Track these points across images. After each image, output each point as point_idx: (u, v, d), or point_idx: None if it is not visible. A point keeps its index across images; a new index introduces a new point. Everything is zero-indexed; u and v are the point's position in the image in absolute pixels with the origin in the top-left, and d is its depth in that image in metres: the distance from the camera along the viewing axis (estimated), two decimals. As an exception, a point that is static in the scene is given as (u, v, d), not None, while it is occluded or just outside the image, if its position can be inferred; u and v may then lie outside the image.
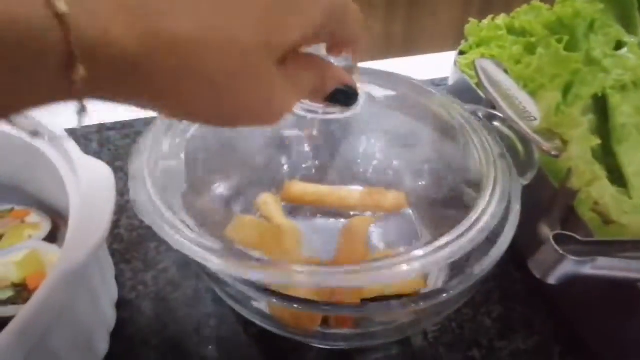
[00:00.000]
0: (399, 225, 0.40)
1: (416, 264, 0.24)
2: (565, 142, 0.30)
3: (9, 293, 0.28)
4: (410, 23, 0.81)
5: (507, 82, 0.36)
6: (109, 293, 0.32)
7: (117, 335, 0.32)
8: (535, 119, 0.32)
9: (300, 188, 0.40)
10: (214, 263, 0.23)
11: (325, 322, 0.28)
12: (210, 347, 0.33)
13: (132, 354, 0.32)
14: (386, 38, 0.82)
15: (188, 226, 0.26)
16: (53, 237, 0.35)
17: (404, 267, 0.24)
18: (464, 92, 0.44)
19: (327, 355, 0.33)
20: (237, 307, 0.28)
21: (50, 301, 0.23)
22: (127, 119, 0.51)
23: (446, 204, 0.40)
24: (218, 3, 0.16)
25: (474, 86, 0.43)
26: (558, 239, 0.26)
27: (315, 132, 0.47)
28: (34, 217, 0.35)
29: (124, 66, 0.14)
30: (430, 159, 0.43)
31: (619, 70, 0.37)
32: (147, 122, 0.37)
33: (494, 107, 0.36)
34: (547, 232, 0.32)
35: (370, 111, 0.45)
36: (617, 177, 0.34)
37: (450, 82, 0.49)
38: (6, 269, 0.29)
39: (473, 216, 0.28)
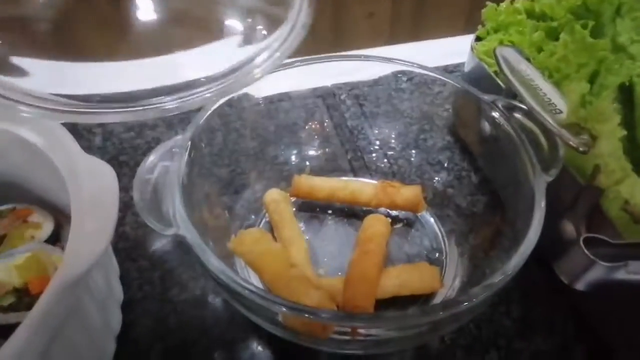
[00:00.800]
0: (417, 227, 0.38)
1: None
2: (593, 137, 0.29)
3: (11, 299, 0.27)
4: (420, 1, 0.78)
5: (530, 72, 0.34)
6: (114, 295, 0.31)
7: (123, 337, 0.31)
8: (561, 112, 0.30)
9: (309, 183, 0.39)
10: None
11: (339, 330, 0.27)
12: (218, 350, 0.32)
13: (139, 357, 0.31)
14: (394, 20, 0.79)
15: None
16: (56, 235, 0.34)
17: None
18: (482, 81, 0.42)
19: (340, 358, 0.32)
20: (248, 314, 0.27)
21: (53, 312, 0.22)
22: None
23: (467, 202, 0.38)
24: None
25: (492, 74, 0.41)
26: (588, 242, 0.24)
27: (325, 122, 0.45)
28: (36, 216, 0.34)
29: None
30: (448, 149, 0.41)
31: (647, 57, 0.35)
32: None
33: (514, 97, 0.34)
34: (571, 231, 0.30)
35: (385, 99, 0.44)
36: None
37: (466, 69, 0.47)
38: (7, 273, 0.28)
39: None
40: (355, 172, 0.43)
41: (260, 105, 0.40)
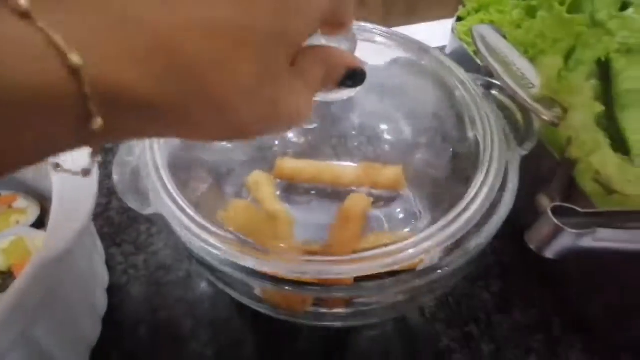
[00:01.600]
0: (398, 205, 0.39)
1: (411, 250, 0.24)
2: (565, 110, 0.29)
3: (-5, 282, 0.28)
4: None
5: (506, 49, 0.34)
6: (99, 278, 0.32)
7: (109, 320, 0.32)
8: (535, 87, 0.31)
9: (292, 165, 0.39)
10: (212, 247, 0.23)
11: (318, 301, 0.27)
12: (203, 330, 0.32)
13: (124, 338, 0.32)
14: (387, 3, 0.79)
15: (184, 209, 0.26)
16: (41, 222, 0.34)
17: (410, 251, 0.24)
18: (462, 61, 0.42)
19: (322, 334, 0.33)
20: (227, 290, 0.27)
21: (32, 289, 0.22)
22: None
23: (444, 178, 0.38)
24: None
25: (471, 54, 0.41)
26: (556, 210, 0.25)
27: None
28: (21, 202, 0.35)
29: (140, 108, 0.13)
30: (428, 129, 0.41)
31: (625, 33, 0.35)
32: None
33: (492, 76, 0.35)
34: (546, 204, 0.31)
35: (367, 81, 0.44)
36: (620, 145, 0.32)
37: (448, 50, 0.47)
38: (-8, 256, 0.29)
39: (472, 192, 0.27)
40: (338, 157, 0.43)
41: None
